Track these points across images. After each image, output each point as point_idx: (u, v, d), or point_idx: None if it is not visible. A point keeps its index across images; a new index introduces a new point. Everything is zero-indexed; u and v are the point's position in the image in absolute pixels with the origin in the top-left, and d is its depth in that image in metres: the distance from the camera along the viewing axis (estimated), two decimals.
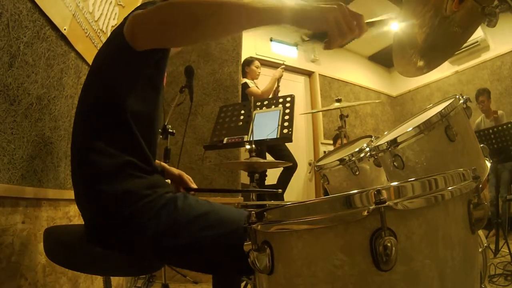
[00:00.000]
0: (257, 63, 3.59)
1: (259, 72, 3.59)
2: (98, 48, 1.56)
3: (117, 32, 0.88)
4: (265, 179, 3.18)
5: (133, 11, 0.90)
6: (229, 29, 0.80)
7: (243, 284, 1.83)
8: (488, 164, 1.13)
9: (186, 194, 0.93)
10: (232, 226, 0.84)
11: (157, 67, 0.92)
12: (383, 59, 5.96)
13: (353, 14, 0.77)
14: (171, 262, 0.94)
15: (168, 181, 1.20)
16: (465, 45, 4.43)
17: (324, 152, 4.78)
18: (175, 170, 1.22)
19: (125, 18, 0.89)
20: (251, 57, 3.73)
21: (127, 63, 0.86)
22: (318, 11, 0.74)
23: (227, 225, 0.85)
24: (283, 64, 3.57)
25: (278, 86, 3.47)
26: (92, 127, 0.89)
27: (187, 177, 1.23)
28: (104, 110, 0.88)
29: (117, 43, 0.86)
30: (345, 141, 2.34)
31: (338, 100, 2.37)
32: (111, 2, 1.66)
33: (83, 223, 0.93)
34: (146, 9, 0.80)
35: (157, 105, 0.97)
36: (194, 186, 1.24)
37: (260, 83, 3.60)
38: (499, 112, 3.78)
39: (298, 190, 4.80)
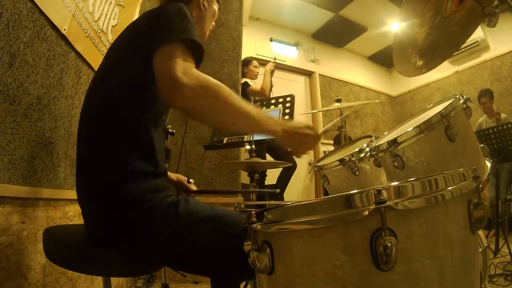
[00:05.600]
0: (255, 62, 3.58)
1: (258, 72, 3.58)
2: (98, 48, 1.56)
3: (134, 35, 0.90)
4: (264, 179, 3.18)
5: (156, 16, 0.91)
6: (238, 129, 0.98)
7: (243, 284, 1.83)
8: (488, 164, 1.13)
9: (187, 198, 0.93)
10: (233, 231, 0.84)
11: None
12: (383, 59, 5.96)
13: (302, 134, 0.92)
14: (171, 265, 0.95)
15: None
16: (465, 45, 4.45)
17: (324, 152, 4.78)
18: (173, 175, 1.22)
19: (148, 17, 0.93)
20: (250, 57, 3.72)
21: (146, 68, 0.84)
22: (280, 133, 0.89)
23: (228, 230, 0.85)
24: (274, 59, 3.56)
25: (270, 81, 3.45)
26: (101, 129, 0.88)
27: (185, 179, 1.23)
28: (118, 112, 0.88)
29: (137, 50, 0.86)
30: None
31: (338, 100, 2.37)
32: (111, 2, 1.66)
33: (83, 222, 0.94)
34: (195, 82, 0.78)
35: (164, 104, 0.97)
36: (194, 188, 1.24)
37: (260, 82, 3.59)
38: (503, 115, 3.76)
39: (298, 190, 4.79)
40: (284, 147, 0.91)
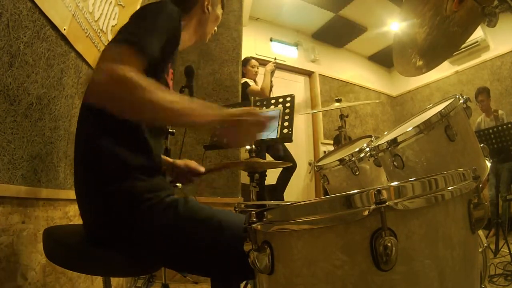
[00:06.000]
0: (253, 62, 3.57)
1: (256, 72, 3.57)
2: (98, 48, 1.56)
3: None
4: (264, 179, 3.18)
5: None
6: (170, 124, 0.85)
7: (243, 284, 1.83)
8: (488, 164, 1.13)
9: (187, 198, 0.92)
10: (233, 233, 0.84)
11: (164, 67, 0.93)
12: (383, 59, 5.96)
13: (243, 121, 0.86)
14: (171, 266, 0.95)
15: (179, 185, 1.20)
16: (465, 45, 4.44)
17: (324, 152, 4.78)
18: (180, 162, 1.22)
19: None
20: (249, 57, 3.71)
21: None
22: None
23: (228, 232, 0.85)
24: (274, 59, 3.56)
25: (270, 81, 3.45)
26: (101, 127, 0.88)
27: (194, 164, 1.22)
28: None
29: None
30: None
31: (338, 100, 2.36)
32: (111, 2, 1.66)
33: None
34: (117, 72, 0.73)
35: None
36: (202, 170, 1.23)
37: (260, 82, 3.59)
38: (500, 111, 3.76)
39: (298, 190, 4.79)
40: (222, 137, 0.84)
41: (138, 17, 0.90)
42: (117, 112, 0.78)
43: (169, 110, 0.79)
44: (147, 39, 0.83)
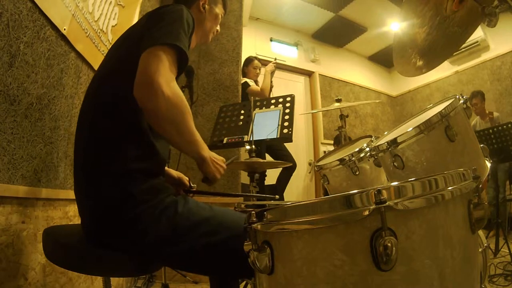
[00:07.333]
0: (255, 63, 3.56)
1: (258, 73, 3.56)
2: (98, 48, 1.56)
3: (135, 35, 0.91)
4: (264, 179, 3.17)
5: (149, 18, 0.92)
6: (179, 148, 0.94)
7: (243, 284, 1.83)
8: (488, 164, 1.13)
9: (187, 198, 0.93)
10: (232, 231, 0.85)
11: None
12: (383, 59, 5.96)
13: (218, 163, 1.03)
14: (171, 266, 0.95)
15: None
16: (465, 45, 4.44)
17: (324, 152, 4.78)
18: (174, 173, 1.22)
19: (148, 17, 0.94)
20: (252, 57, 3.70)
21: None
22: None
23: (227, 230, 0.86)
24: (274, 59, 3.56)
25: (271, 81, 3.44)
26: (106, 125, 0.88)
27: (186, 179, 1.23)
28: (123, 109, 0.87)
29: (135, 50, 0.86)
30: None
31: (338, 100, 2.36)
32: (111, 2, 1.66)
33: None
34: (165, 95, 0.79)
35: None
36: (193, 187, 1.24)
37: (260, 82, 3.58)
38: (495, 114, 3.76)
39: (298, 190, 4.79)
40: (203, 171, 0.98)
41: (163, 18, 0.91)
42: (161, 127, 0.85)
43: (190, 137, 0.89)
44: (183, 41, 0.87)
